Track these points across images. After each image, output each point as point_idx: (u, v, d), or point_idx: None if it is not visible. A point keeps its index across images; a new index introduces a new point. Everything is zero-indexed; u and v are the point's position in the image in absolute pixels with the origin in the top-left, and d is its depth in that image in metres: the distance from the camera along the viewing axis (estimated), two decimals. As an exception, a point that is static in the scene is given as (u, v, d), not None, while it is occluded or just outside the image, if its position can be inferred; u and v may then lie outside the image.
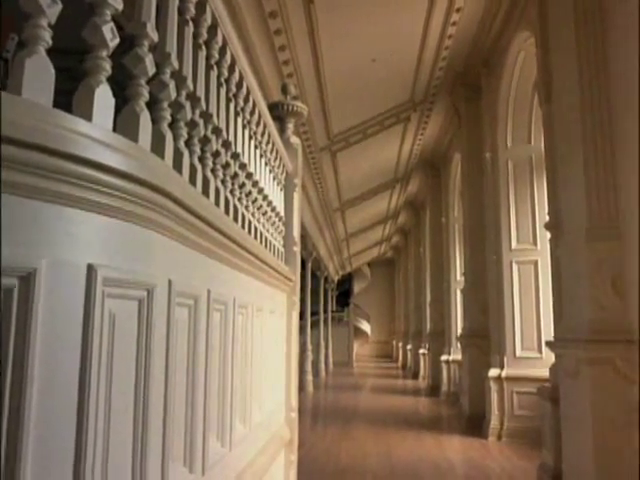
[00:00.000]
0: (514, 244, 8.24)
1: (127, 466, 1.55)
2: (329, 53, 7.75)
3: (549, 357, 6.29)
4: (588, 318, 4.68)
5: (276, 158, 4.19)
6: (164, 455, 1.77)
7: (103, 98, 1.48)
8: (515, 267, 8.18)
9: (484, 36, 8.27)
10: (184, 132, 2.12)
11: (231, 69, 2.83)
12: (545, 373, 6.21)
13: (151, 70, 1.75)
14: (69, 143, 1.26)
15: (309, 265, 16.88)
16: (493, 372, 8.19)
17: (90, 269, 1.37)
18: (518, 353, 8.02)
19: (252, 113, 3.32)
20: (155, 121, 1.84)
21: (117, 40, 1.53)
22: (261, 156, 3.65)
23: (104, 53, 1.50)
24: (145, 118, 1.71)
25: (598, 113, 4.84)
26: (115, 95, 1.55)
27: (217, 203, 2.48)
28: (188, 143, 2.18)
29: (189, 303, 2.09)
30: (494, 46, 8.43)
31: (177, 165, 1.99)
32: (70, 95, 1.47)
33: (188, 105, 2.13)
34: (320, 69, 8.11)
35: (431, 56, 8.55)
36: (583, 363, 4.69)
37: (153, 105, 1.87)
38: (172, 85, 1.94)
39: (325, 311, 22.60)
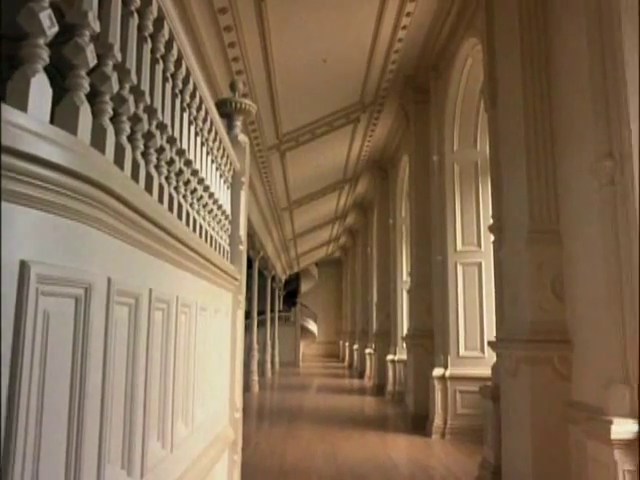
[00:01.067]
0: (459, 246, 8.41)
1: (60, 470, 1.49)
2: (279, 51, 7.72)
3: (491, 357, 6.43)
4: (528, 319, 4.80)
5: (223, 156, 4.14)
6: (100, 458, 1.72)
7: (39, 88, 1.42)
8: (460, 268, 8.34)
9: (433, 41, 8.40)
10: (127, 127, 2.06)
11: (177, 64, 2.78)
12: (487, 372, 6.36)
13: (92, 61, 1.69)
14: (2, 134, 1.20)
15: (256, 264, 16.78)
16: (437, 371, 8.32)
17: (23, 266, 1.31)
18: (462, 353, 8.18)
19: (199, 109, 3.27)
20: (96, 114, 1.79)
21: (56, 28, 1.47)
22: (207, 153, 3.60)
23: (41, 41, 1.44)
24: (85, 110, 1.66)
25: (540, 119, 4.97)
26: (58, 86, 1.50)
27: (161, 200, 2.42)
28: (131, 138, 2.13)
29: (129, 302, 2.04)
30: (443, 51, 8.57)
31: (119, 160, 1.93)
32: (4, 83, 1.41)
33: (131, 99, 2.08)
34: (270, 67, 8.07)
35: (381, 58, 8.63)
36: (523, 362, 4.81)
37: (94, 98, 1.81)
38: (114, 78, 1.89)
39: (272, 310, 22.53)
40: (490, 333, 7.28)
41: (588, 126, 4.18)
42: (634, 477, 3.49)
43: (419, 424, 8.89)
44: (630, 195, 3.62)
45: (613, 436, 3.54)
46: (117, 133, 1.96)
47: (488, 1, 6.05)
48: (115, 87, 1.90)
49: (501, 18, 5.69)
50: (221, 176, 4.14)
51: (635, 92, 3.59)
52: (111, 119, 1.91)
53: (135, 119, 2.16)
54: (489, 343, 6.13)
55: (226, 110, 4.78)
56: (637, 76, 3.59)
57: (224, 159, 4.19)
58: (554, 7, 4.90)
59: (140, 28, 2.25)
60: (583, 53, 4.19)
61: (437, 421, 8.25)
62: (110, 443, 1.82)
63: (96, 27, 1.72)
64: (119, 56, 1.93)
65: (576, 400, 4.47)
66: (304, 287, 34.13)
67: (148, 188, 2.25)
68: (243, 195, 4.83)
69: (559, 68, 4.81)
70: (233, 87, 4.97)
